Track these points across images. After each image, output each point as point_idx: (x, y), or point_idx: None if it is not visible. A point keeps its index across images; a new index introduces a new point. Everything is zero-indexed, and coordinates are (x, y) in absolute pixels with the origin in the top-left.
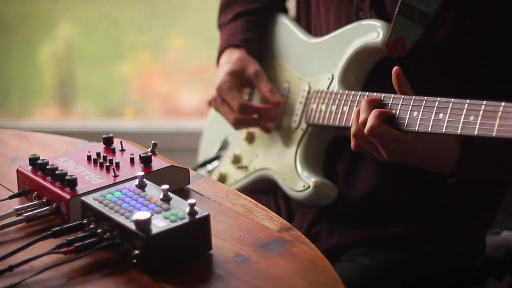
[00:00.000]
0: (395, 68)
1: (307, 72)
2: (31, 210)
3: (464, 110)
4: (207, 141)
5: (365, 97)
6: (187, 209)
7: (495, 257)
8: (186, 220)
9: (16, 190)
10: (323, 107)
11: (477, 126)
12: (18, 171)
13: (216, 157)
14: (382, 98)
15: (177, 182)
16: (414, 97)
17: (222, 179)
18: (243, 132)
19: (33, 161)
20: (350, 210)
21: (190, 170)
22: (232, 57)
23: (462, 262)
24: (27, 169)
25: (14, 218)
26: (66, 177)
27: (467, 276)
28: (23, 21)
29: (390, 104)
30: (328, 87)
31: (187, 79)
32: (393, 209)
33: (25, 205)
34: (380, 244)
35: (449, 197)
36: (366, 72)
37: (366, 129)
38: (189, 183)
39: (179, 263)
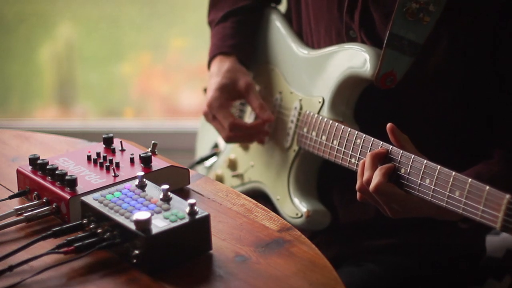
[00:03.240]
0: (388, 125)
1: (298, 88)
2: (31, 210)
3: (484, 198)
4: (203, 137)
5: (354, 135)
6: (187, 209)
7: (495, 257)
8: (186, 220)
9: (16, 190)
10: (314, 134)
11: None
12: (18, 171)
13: (213, 154)
14: (389, 150)
15: (177, 182)
16: (425, 161)
17: (219, 181)
18: None
19: (33, 161)
20: (350, 227)
21: (190, 170)
22: (222, 68)
23: (462, 264)
24: (27, 169)
25: (14, 218)
26: (66, 177)
27: (467, 277)
28: (23, 21)
29: (398, 161)
30: (319, 111)
31: (187, 79)
32: (394, 222)
33: (25, 205)
34: (382, 251)
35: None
36: (356, 97)
37: (371, 187)
38: (189, 183)
39: (179, 263)
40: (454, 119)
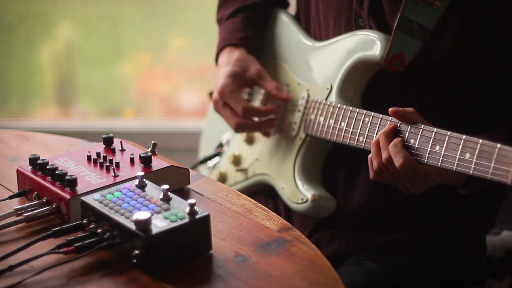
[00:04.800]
0: (390, 110)
1: (306, 78)
2: (31, 210)
3: (496, 154)
4: (207, 137)
5: (363, 114)
6: (187, 209)
7: (495, 257)
8: (186, 220)
9: (16, 190)
10: (321, 119)
11: (490, 170)
12: (18, 171)
13: (217, 154)
14: (399, 125)
15: (177, 182)
16: (435, 129)
17: (222, 178)
18: (242, 133)
19: (33, 161)
20: (351, 218)
21: (190, 170)
22: (231, 57)
23: (462, 264)
24: (27, 169)
25: (14, 218)
26: (66, 177)
27: (467, 277)
28: (23, 21)
29: (407, 133)
30: (327, 98)
31: (187, 79)
32: (394, 216)
33: (25, 205)
34: (383, 250)
35: (449, 204)
36: (364, 83)
37: (399, 165)
38: (189, 183)
39: (179, 263)
40: (462, 101)
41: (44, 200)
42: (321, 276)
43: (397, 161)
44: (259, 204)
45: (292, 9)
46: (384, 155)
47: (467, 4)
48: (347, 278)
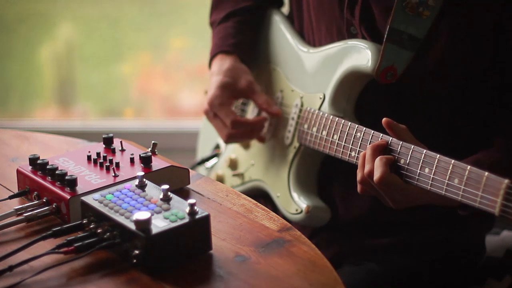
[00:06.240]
0: (384, 120)
1: (299, 85)
2: (31, 210)
3: (483, 184)
4: (204, 138)
5: (355, 129)
6: (187, 209)
7: (495, 257)
8: (186, 220)
9: (16, 190)
10: (314, 130)
11: (478, 199)
12: (18, 171)
13: (214, 155)
14: (389, 142)
15: (177, 182)
16: (425, 151)
17: (220, 181)
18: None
19: (33, 161)
20: (350, 225)
21: (190, 170)
22: (223, 66)
23: (462, 264)
24: (27, 169)
25: (14, 218)
26: (66, 177)
27: (467, 277)
28: (23, 21)
29: (398, 152)
30: (320, 107)
31: (187, 79)
32: (394, 221)
33: (25, 205)
34: (382, 251)
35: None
36: (357, 93)
37: (376, 178)
38: (189, 183)
39: (179, 263)
40: (455, 111)
41: (44, 200)
42: (321, 276)
43: (375, 175)
44: (259, 204)
45: (287, 9)
46: (366, 168)
47: (456, 13)
48: (347, 278)
